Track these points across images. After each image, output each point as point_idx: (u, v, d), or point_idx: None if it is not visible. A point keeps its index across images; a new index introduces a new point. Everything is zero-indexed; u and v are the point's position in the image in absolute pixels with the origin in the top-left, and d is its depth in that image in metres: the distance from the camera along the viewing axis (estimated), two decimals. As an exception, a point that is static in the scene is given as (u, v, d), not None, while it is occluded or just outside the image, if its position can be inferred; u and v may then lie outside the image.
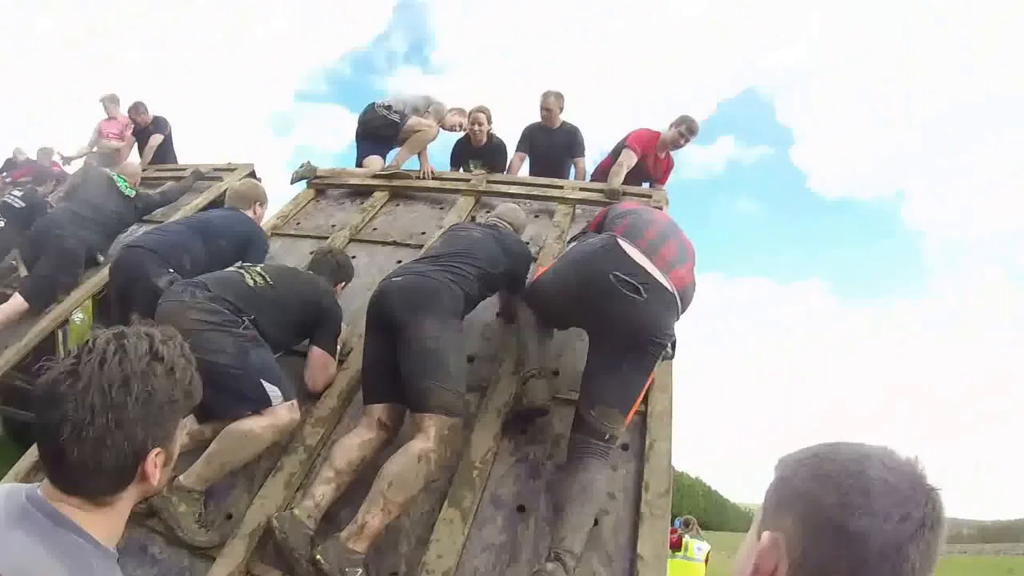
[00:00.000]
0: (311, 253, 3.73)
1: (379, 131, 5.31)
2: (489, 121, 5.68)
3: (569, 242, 3.64)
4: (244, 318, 2.74)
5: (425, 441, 2.41)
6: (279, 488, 2.61)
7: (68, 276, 4.73)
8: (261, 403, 2.62)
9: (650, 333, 2.48)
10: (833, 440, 0.75)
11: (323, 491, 2.45)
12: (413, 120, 5.21)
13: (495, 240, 3.15)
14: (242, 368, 2.61)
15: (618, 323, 2.50)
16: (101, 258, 4.95)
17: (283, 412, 2.65)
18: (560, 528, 2.30)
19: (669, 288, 2.54)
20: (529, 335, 2.89)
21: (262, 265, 3.10)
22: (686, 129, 5.01)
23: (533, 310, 2.92)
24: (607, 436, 2.47)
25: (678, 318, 2.64)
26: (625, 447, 2.71)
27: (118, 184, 5.15)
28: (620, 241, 2.61)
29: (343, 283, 3.47)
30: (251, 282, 2.90)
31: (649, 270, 2.53)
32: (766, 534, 0.73)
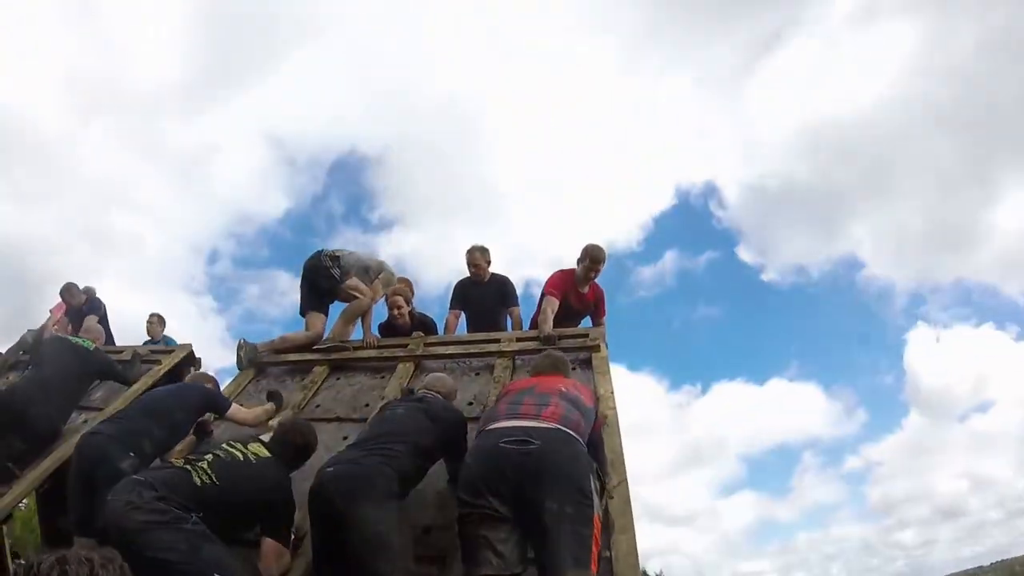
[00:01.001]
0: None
1: (318, 281, 5.34)
2: (409, 302, 5.68)
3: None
4: (193, 515, 2.70)
5: None
6: None
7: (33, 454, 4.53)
8: None
9: (564, 473, 2.56)
10: None
11: None
12: (352, 282, 5.25)
13: (422, 412, 3.27)
14: (194, 563, 2.55)
15: (531, 483, 2.54)
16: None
17: None
18: None
19: (550, 426, 2.71)
20: None
21: (210, 459, 3.04)
22: (590, 261, 5.26)
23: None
24: None
25: (584, 444, 2.78)
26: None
27: (77, 343, 5.07)
28: (489, 428, 2.83)
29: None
30: (198, 481, 2.87)
31: (526, 424, 2.72)
32: None
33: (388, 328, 5.64)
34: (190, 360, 5.86)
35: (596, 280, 5.45)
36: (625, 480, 3.17)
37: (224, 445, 3.18)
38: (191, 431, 4.07)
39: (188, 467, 2.95)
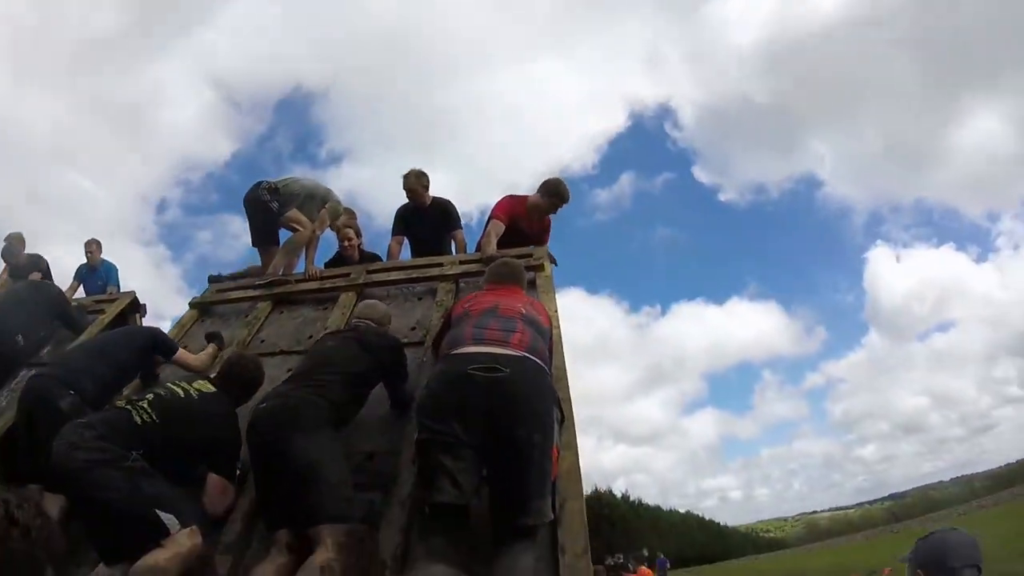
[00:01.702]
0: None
1: (256, 216, 5.29)
2: (359, 235, 5.60)
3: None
4: (133, 452, 2.74)
5: (325, 552, 2.43)
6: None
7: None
8: (159, 533, 2.57)
9: (533, 403, 2.57)
10: None
11: None
12: (291, 214, 5.19)
13: (353, 341, 3.29)
14: (134, 500, 2.60)
15: (499, 411, 2.53)
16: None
17: (183, 539, 2.60)
18: None
19: (519, 355, 2.68)
20: None
21: (151, 398, 3.05)
22: (558, 199, 5.28)
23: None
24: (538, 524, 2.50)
25: (549, 374, 2.80)
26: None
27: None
28: (455, 352, 2.76)
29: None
30: (138, 419, 2.88)
31: (494, 351, 2.67)
32: None
33: (337, 260, 5.56)
34: (135, 307, 5.78)
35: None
36: (568, 397, 3.21)
37: (167, 384, 3.22)
38: (139, 375, 4.05)
39: (128, 407, 2.97)
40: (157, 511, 2.60)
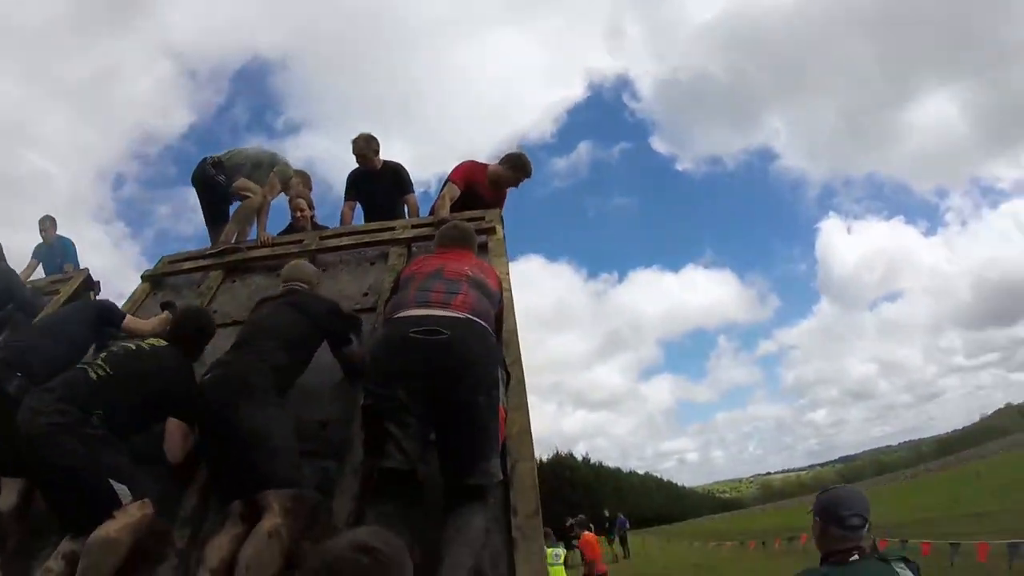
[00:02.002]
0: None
1: (206, 193, 5.20)
2: (311, 206, 5.51)
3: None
4: (94, 416, 2.76)
5: (272, 518, 2.47)
6: (159, 599, 2.56)
7: None
8: (113, 504, 2.61)
9: (476, 364, 2.58)
10: None
11: None
12: (240, 183, 5.08)
13: (288, 306, 3.31)
14: (92, 469, 2.64)
15: (442, 374, 2.55)
16: None
17: (134, 510, 2.64)
18: (447, 561, 2.32)
19: (462, 316, 2.68)
20: None
21: (104, 355, 3.10)
22: (523, 174, 5.27)
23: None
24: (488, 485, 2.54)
25: (493, 335, 2.82)
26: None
27: None
28: (398, 316, 2.75)
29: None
30: (94, 375, 2.91)
31: (436, 313, 2.68)
32: None
33: (290, 232, 5.45)
34: (89, 285, 5.69)
35: None
36: (519, 359, 3.27)
37: (120, 342, 3.27)
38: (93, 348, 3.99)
39: (84, 366, 3.02)
40: (111, 481, 2.64)
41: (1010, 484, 19.78)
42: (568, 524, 27.52)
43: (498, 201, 5.33)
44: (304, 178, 5.82)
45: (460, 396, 2.53)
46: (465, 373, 2.55)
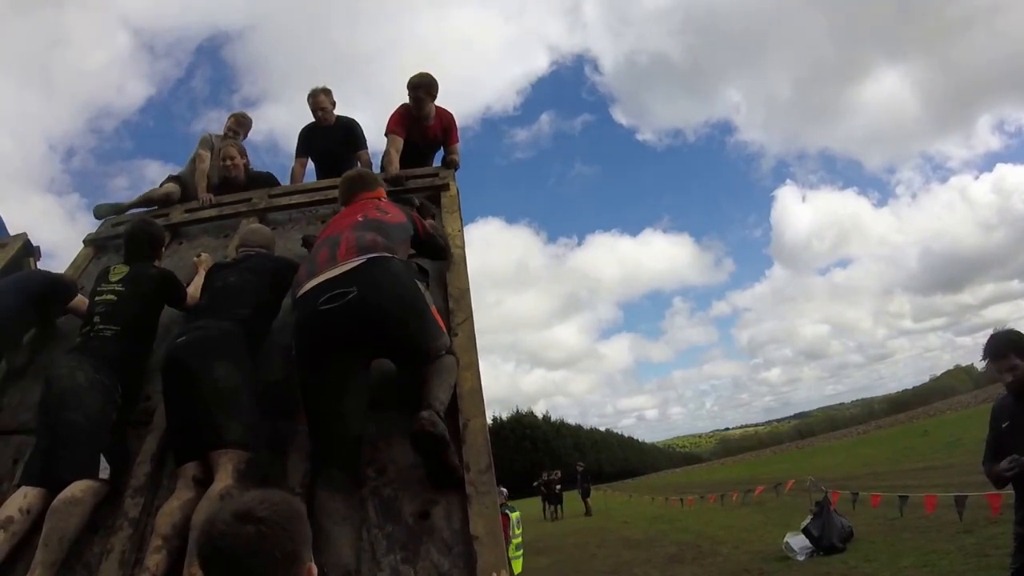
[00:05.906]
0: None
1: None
2: (243, 154, 5.17)
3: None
4: (119, 387, 3.03)
5: (224, 480, 2.46)
6: (114, 569, 2.53)
7: None
8: (89, 473, 2.71)
9: (393, 301, 2.62)
10: None
11: (156, 560, 2.43)
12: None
13: (251, 272, 3.28)
14: (93, 436, 2.80)
15: (364, 329, 2.59)
16: None
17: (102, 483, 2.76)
18: (426, 391, 2.49)
19: (353, 263, 2.67)
20: None
21: (98, 322, 3.23)
22: (410, 90, 4.96)
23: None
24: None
25: (395, 255, 2.79)
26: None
27: None
28: (299, 296, 2.74)
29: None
30: (107, 335, 3.16)
31: (330, 275, 2.65)
32: None
33: (224, 185, 5.11)
34: (27, 250, 5.43)
35: (439, 106, 5.14)
36: (470, 317, 3.24)
37: (95, 299, 3.35)
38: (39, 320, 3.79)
39: (91, 333, 3.20)
40: (102, 455, 2.78)
41: (956, 441, 20.57)
42: (544, 479, 27.91)
43: (446, 131, 5.15)
44: (239, 118, 5.58)
45: (397, 338, 2.65)
46: (389, 315, 2.60)
